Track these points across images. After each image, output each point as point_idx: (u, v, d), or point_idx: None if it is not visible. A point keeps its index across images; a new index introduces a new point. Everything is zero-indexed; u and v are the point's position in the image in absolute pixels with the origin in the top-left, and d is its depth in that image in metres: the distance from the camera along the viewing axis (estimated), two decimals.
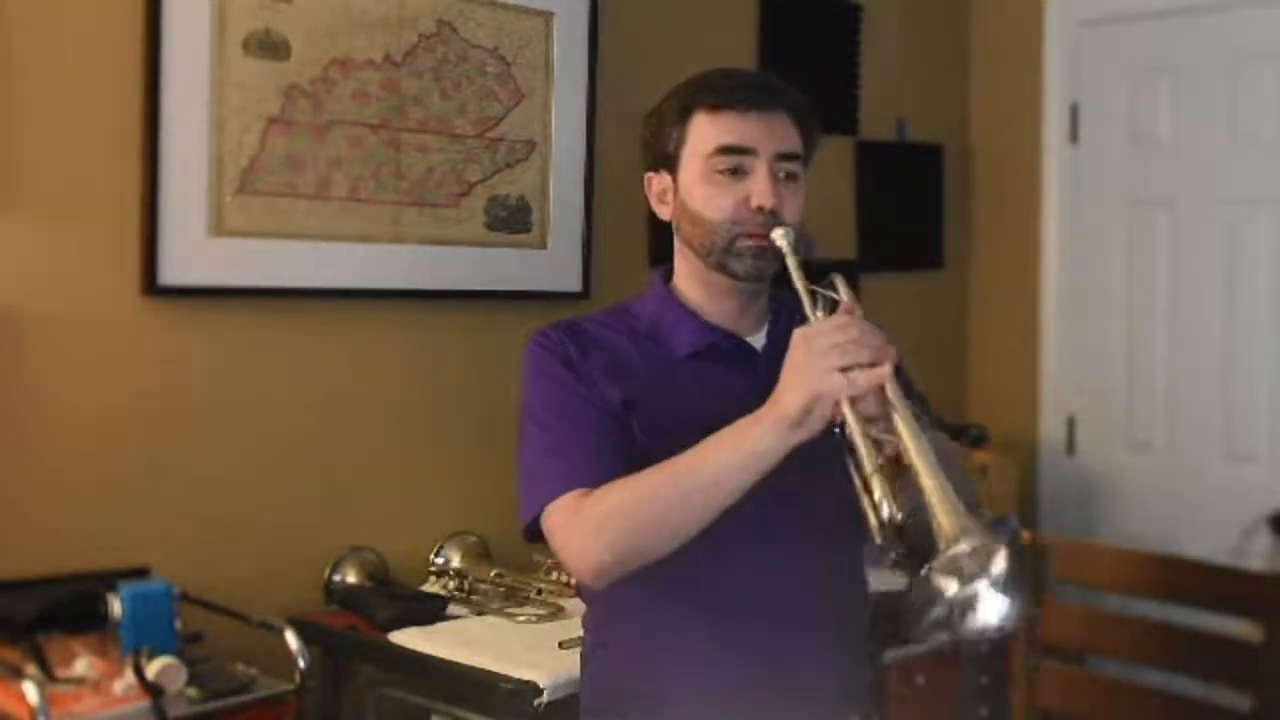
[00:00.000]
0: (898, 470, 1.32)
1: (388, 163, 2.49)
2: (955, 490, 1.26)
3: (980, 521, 1.23)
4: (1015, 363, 3.86)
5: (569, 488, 1.50)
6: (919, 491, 1.27)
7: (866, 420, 1.34)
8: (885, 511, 1.30)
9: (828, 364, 1.35)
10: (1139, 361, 3.62)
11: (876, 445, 1.33)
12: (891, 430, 1.33)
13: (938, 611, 1.23)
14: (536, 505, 1.53)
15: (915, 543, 1.30)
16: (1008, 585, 1.24)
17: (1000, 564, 1.23)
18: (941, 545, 1.21)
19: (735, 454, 1.41)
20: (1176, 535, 3.40)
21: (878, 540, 1.32)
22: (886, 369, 1.34)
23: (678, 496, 1.43)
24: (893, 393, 1.34)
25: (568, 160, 2.78)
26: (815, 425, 1.37)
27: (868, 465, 1.32)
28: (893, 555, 1.33)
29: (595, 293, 2.82)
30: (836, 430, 1.38)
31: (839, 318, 1.42)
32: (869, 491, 1.32)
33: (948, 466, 1.32)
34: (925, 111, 3.79)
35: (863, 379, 1.34)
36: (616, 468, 1.49)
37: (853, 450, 1.35)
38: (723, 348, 1.61)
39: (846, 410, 1.34)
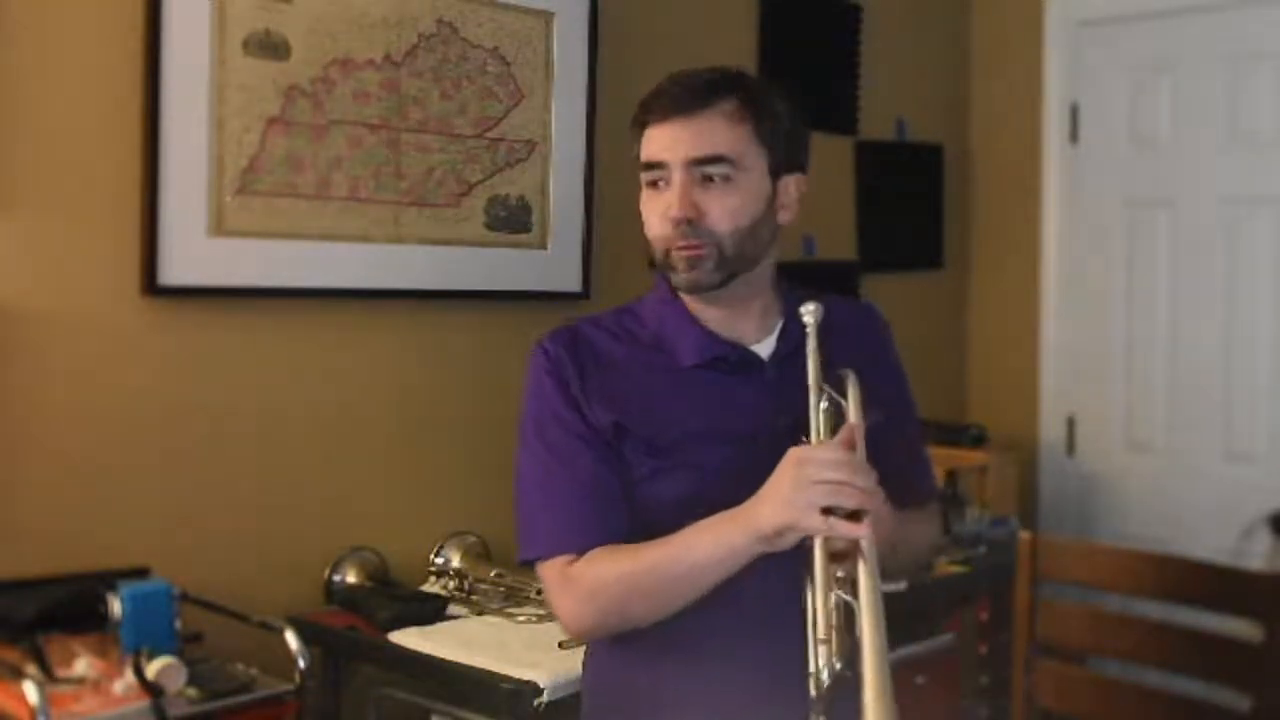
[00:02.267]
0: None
1: (388, 163, 2.49)
2: (890, 678, 1.27)
3: None
4: (1015, 363, 3.86)
5: (559, 550, 1.54)
6: (859, 681, 1.28)
7: (833, 557, 1.36)
8: (825, 676, 1.32)
9: (811, 499, 1.36)
10: (1139, 361, 3.62)
11: (830, 607, 1.34)
12: (854, 578, 1.34)
13: None
14: (528, 553, 1.58)
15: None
16: None
17: None
18: None
19: (713, 550, 1.44)
20: (1176, 535, 3.40)
21: (811, 693, 1.33)
22: (866, 530, 1.34)
23: (660, 581, 1.47)
24: (867, 549, 1.34)
25: (568, 160, 2.78)
26: (784, 545, 1.40)
27: (820, 628, 1.34)
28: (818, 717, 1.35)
29: (595, 293, 2.83)
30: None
31: (836, 451, 1.40)
32: (814, 639, 1.34)
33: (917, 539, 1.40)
34: (925, 111, 3.79)
35: (842, 529, 1.35)
36: (607, 515, 1.53)
37: (812, 588, 1.37)
38: (728, 359, 1.59)
39: (818, 552, 1.36)
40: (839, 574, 1.36)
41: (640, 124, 1.59)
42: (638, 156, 1.61)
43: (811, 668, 1.33)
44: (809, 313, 1.51)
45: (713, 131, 1.53)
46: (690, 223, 1.52)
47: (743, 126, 1.55)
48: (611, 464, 1.55)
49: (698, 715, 1.54)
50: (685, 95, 1.55)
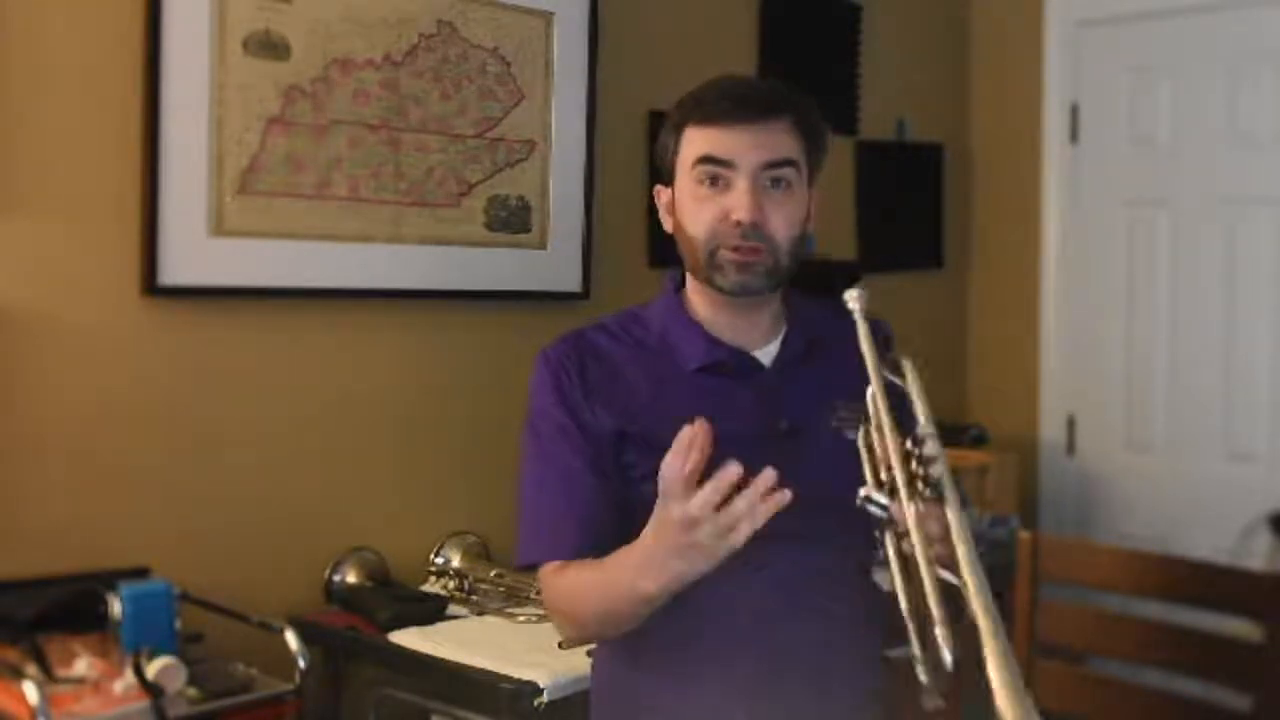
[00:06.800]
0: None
1: (388, 163, 2.49)
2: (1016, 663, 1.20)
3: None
4: (1015, 363, 3.86)
5: (549, 558, 1.56)
6: (982, 666, 1.19)
7: (929, 540, 1.27)
8: (948, 659, 1.21)
9: (716, 551, 1.31)
10: (1139, 361, 3.62)
11: (938, 585, 1.25)
12: (952, 558, 1.25)
13: None
14: (520, 559, 1.61)
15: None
16: None
17: None
18: None
19: (652, 589, 1.40)
20: (1176, 535, 3.40)
21: (924, 678, 1.22)
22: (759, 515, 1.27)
23: (618, 606, 1.46)
24: (957, 526, 1.26)
25: (568, 160, 2.78)
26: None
27: (935, 614, 1.22)
28: (936, 702, 1.26)
29: (595, 293, 2.82)
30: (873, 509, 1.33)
31: (689, 506, 1.30)
32: (924, 633, 1.24)
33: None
34: (925, 111, 3.79)
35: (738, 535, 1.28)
36: (595, 529, 1.53)
37: (905, 574, 1.28)
38: (729, 363, 1.60)
39: (918, 544, 1.26)
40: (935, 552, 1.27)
41: (681, 124, 1.58)
42: (671, 154, 1.59)
43: (918, 652, 1.24)
44: (854, 299, 1.49)
45: (782, 137, 1.56)
46: (755, 226, 1.52)
47: (798, 140, 1.57)
48: (605, 473, 1.56)
49: (706, 709, 1.54)
50: (754, 101, 1.56)
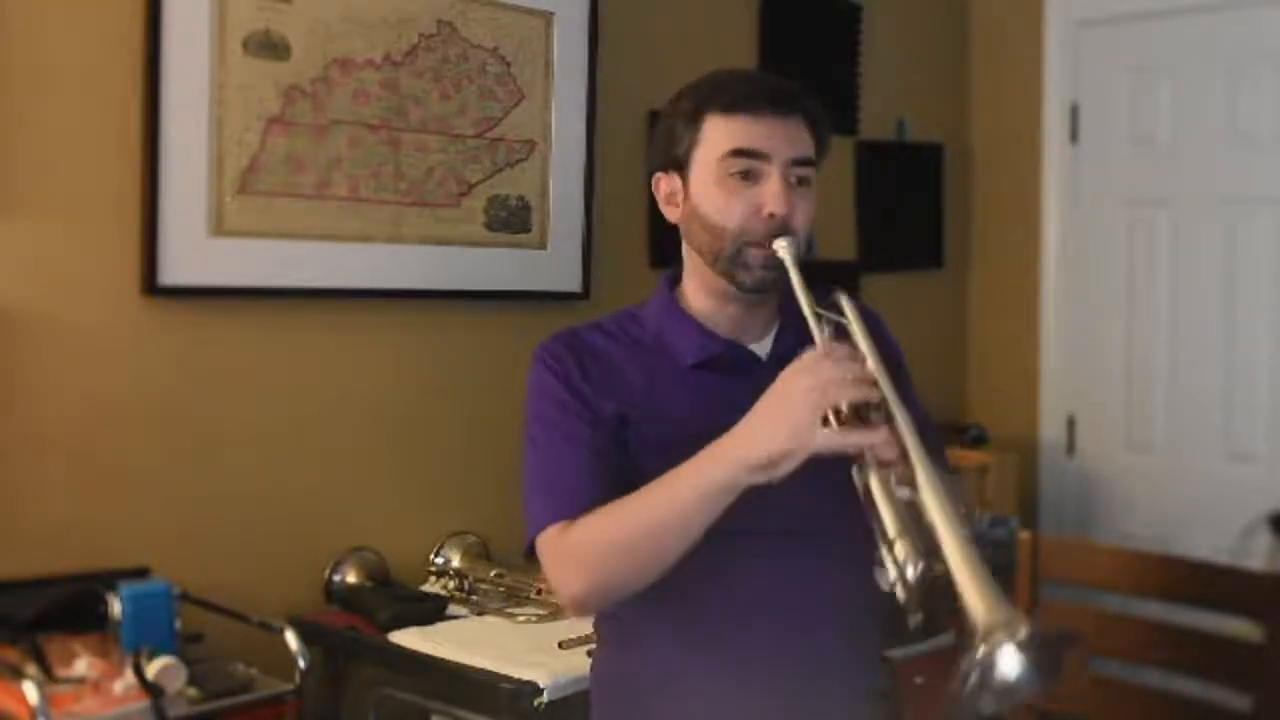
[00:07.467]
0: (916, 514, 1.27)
1: (388, 163, 2.49)
2: (983, 563, 1.21)
3: (1014, 609, 1.18)
4: (1015, 363, 3.86)
5: (554, 520, 1.51)
6: (948, 571, 1.21)
7: (882, 464, 1.29)
8: (910, 572, 1.24)
9: (801, 411, 1.32)
10: (1139, 361, 3.63)
11: (896, 504, 1.27)
12: (911, 478, 1.27)
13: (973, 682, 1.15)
14: (530, 531, 1.55)
15: (933, 604, 1.26)
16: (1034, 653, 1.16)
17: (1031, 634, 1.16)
18: (980, 634, 1.15)
19: (692, 493, 1.40)
20: (1176, 535, 3.40)
21: (900, 596, 1.25)
22: (879, 435, 1.29)
23: (642, 532, 1.44)
24: (912, 447, 1.28)
25: (568, 160, 2.78)
26: (779, 475, 1.35)
27: (890, 528, 1.26)
28: (916, 619, 1.25)
29: (595, 293, 2.82)
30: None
31: (805, 363, 1.36)
32: (890, 549, 1.26)
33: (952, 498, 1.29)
34: (925, 111, 3.79)
35: (855, 437, 1.31)
36: (605, 491, 1.49)
37: (870, 502, 1.30)
38: (726, 357, 1.59)
39: (872, 470, 1.29)
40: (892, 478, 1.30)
41: (701, 112, 1.56)
42: (686, 142, 1.57)
43: (892, 575, 1.25)
44: (784, 246, 1.50)
45: (803, 134, 1.56)
46: (784, 220, 1.52)
47: (813, 139, 1.58)
48: (606, 455, 1.53)
49: (706, 707, 1.54)
50: (781, 95, 1.56)
